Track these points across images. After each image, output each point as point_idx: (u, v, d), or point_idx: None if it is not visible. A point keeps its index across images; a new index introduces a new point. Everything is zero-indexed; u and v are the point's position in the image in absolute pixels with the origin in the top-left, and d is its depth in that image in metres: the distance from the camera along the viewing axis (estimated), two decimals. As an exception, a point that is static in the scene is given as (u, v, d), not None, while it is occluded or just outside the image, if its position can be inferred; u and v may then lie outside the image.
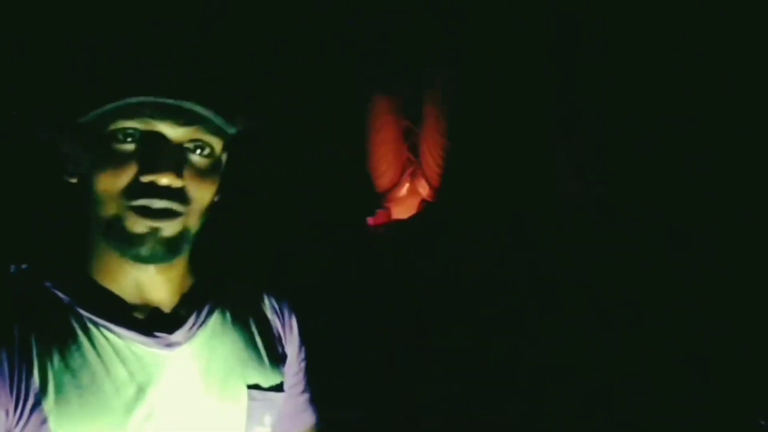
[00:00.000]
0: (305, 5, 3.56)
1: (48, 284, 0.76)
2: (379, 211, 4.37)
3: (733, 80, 2.83)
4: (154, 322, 0.78)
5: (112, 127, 0.71)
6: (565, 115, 3.48)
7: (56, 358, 0.73)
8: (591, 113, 3.26)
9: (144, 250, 0.72)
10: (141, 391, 0.75)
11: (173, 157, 0.71)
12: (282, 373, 0.89)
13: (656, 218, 3.01)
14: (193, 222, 0.75)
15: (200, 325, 0.81)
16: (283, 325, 0.93)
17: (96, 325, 0.75)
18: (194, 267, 0.85)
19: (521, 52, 3.53)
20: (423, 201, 4.45)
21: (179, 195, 0.72)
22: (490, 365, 2.84)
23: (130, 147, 0.72)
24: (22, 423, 0.72)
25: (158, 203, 0.71)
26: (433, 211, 4.25)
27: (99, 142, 0.73)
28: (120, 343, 0.75)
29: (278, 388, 0.87)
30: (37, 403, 0.72)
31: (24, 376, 0.72)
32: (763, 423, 2.06)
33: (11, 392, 0.71)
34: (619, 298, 2.92)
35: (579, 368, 2.65)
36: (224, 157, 0.80)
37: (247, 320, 0.88)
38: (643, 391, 2.53)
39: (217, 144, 0.75)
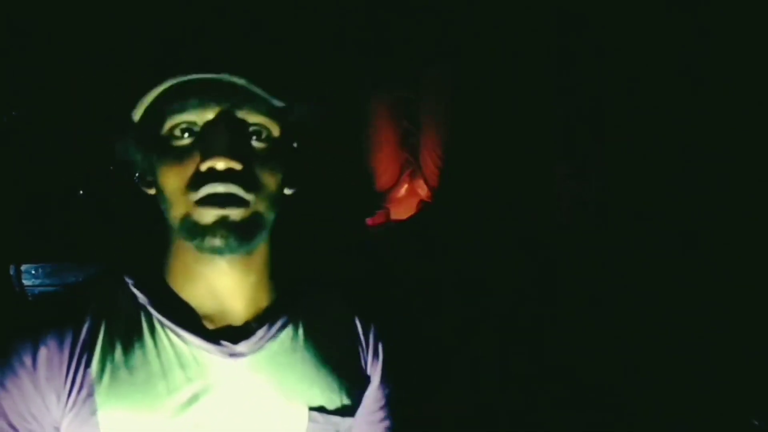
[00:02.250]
0: (304, 5, 3.56)
1: (129, 282, 0.77)
2: (378, 211, 4.37)
3: (734, 82, 2.84)
4: (221, 330, 0.77)
5: (168, 125, 0.71)
6: (564, 115, 3.49)
7: (117, 353, 0.74)
8: (590, 114, 3.27)
9: (217, 241, 0.70)
10: (195, 397, 0.75)
11: (229, 141, 0.69)
12: (354, 398, 0.85)
13: (656, 219, 3.02)
14: (264, 210, 0.73)
15: (269, 339, 0.79)
16: (366, 350, 0.89)
17: (163, 326, 0.75)
18: (275, 282, 0.83)
19: (521, 52, 3.53)
20: (422, 201, 4.46)
21: (242, 179, 0.70)
22: (489, 366, 2.84)
23: (188, 141, 0.71)
24: (73, 411, 0.72)
25: (221, 188, 0.69)
26: (431, 212, 4.26)
27: (160, 145, 0.72)
28: (183, 347, 0.75)
29: (345, 412, 0.84)
30: (90, 394, 0.72)
31: (83, 365, 0.72)
32: (756, 423, 2.07)
33: (66, 378, 0.72)
34: (619, 299, 2.93)
35: (579, 369, 2.65)
36: (292, 145, 0.78)
37: (324, 339, 0.85)
38: (643, 392, 2.54)
39: (273, 127, 0.73)
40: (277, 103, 0.72)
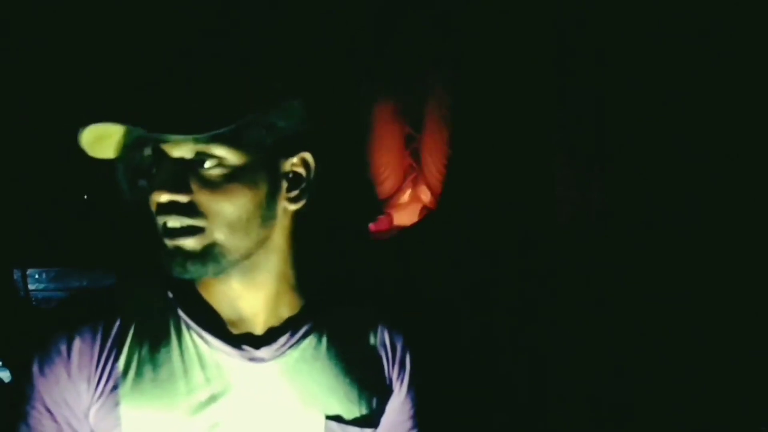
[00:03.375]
0: (304, 10, 3.57)
1: (163, 283, 0.82)
2: (380, 217, 4.37)
3: (737, 84, 2.82)
4: (243, 336, 0.80)
5: (137, 157, 0.74)
6: (567, 121, 3.48)
7: (144, 351, 0.78)
8: (592, 119, 3.25)
9: (177, 269, 0.73)
10: (213, 398, 0.77)
11: (168, 175, 0.71)
12: (374, 410, 0.86)
13: (657, 224, 3.00)
14: (224, 236, 0.73)
15: (291, 346, 0.81)
16: (392, 361, 0.90)
17: (189, 328, 0.79)
18: (300, 290, 0.85)
19: (523, 57, 3.53)
20: (425, 207, 4.45)
21: (189, 209, 0.71)
22: (491, 372, 2.83)
23: (152, 170, 0.74)
24: (100, 401, 0.76)
25: (170, 220, 0.72)
26: (434, 218, 4.25)
27: (138, 173, 0.76)
28: (205, 349, 0.78)
29: (364, 422, 0.84)
30: (115, 387, 0.76)
31: (112, 358, 0.77)
32: (764, 429, 2.05)
33: (96, 369, 0.77)
34: (621, 303, 2.91)
35: (579, 370, 2.64)
36: (276, 162, 0.77)
37: (347, 349, 0.86)
38: (646, 399, 2.52)
39: (223, 152, 0.72)
40: (220, 130, 0.71)
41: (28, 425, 0.76)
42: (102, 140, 0.71)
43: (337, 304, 0.88)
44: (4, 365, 3.13)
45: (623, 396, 2.51)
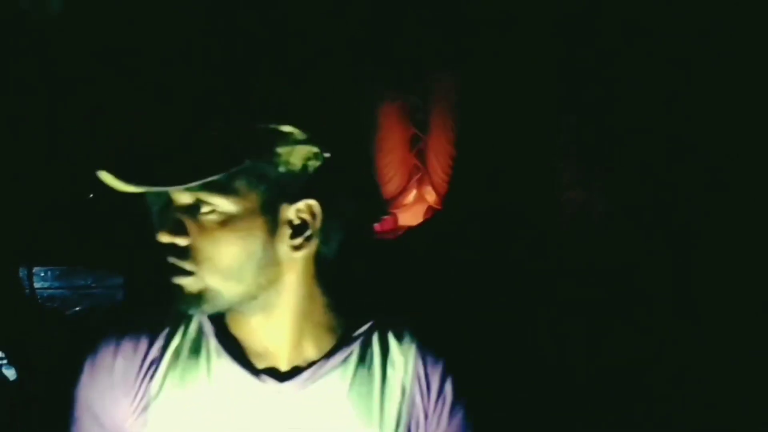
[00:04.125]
0: (308, 11, 3.58)
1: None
2: (385, 218, 4.37)
3: (739, 84, 2.81)
4: (269, 368, 0.82)
5: (152, 197, 0.76)
6: (572, 122, 3.48)
7: (176, 373, 0.80)
8: (596, 120, 3.25)
9: (181, 303, 0.77)
10: (237, 428, 0.79)
11: (173, 218, 0.74)
12: None
13: (661, 225, 2.99)
14: (216, 282, 0.75)
15: (317, 380, 0.82)
16: (427, 391, 0.86)
17: (219, 355, 0.81)
18: (329, 322, 0.85)
19: (528, 58, 3.53)
20: (430, 208, 4.45)
21: (186, 254, 0.74)
22: (493, 372, 2.82)
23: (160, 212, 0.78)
24: (133, 417, 0.79)
25: (170, 260, 0.75)
26: (439, 218, 4.25)
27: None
28: (233, 378, 0.80)
29: None
30: (146, 408, 0.79)
31: (147, 379, 0.80)
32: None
33: (133, 386, 0.80)
34: (624, 304, 2.90)
35: (580, 372, 2.63)
36: (276, 206, 0.77)
37: (376, 382, 0.84)
38: (648, 404, 2.51)
39: (220, 201, 0.74)
40: (209, 179, 0.72)
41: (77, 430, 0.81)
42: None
43: (369, 332, 0.86)
44: (9, 363, 3.15)
45: (624, 396, 2.50)
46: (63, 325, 3.71)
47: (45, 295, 3.98)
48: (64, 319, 3.80)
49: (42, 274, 3.99)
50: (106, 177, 0.70)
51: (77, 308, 3.83)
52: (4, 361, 3.15)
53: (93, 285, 4.05)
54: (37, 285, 3.98)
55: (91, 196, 4.36)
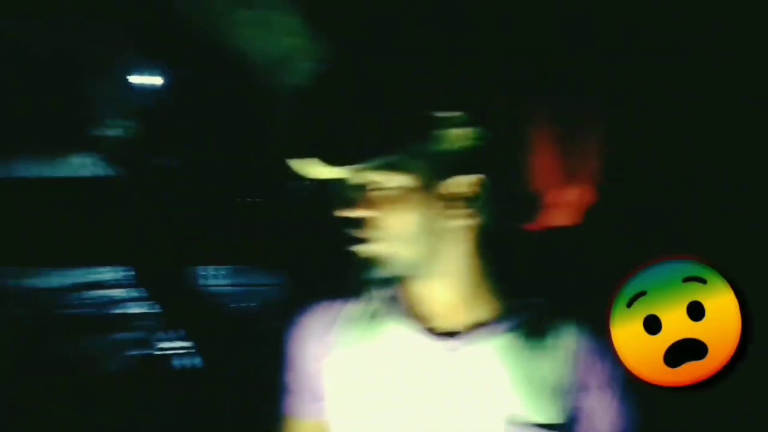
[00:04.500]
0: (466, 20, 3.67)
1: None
2: (534, 217, 4.38)
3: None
4: (434, 329, 0.88)
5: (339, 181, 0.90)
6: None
7: (357, 331, 0.92)
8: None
9: (361, 271, 0.87)
10: (406, 381, 0.87)
11: (352, 195, 0.86)
12: (562, 413, 0.88)
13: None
14: (393, 249, 0.84)
15: (475, 343, 0.87)
16: (581, 361, 0.90)
17: (390, 315, 0.90)
18: (493, 290, 0.91)
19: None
20: (576, 209, 4.43)
21: (366, 225, 0.85)
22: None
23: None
24: (320, 364, 0.92)
25: (351, 232, 0.86)
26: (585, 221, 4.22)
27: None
28: (401, 336, 0.89)
29: (548, 426, 0.87)
30: (329, 357, 0.91)
31: (331, 334, 0.92)
32: None
33: (321, 338, 0.93)
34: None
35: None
36: (426, 187, 0.85)
37: (536, 351, 0.89)
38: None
39: (391, 178, 0.84)
40: (380, 161, 0.84)
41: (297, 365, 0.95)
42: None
43: (529, 306, 0.91)
44: (197, 352, 3.42)
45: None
46: (233, 320, 3.99)
47: (214, 292, 4.29)
48: (234, 314, 4.08)
49: (214, 273, 4.32)
50: (304, 165, 0.84)
51: (247, 304, 4.10)
52: (193, 350, 3.43)
53: (256, 284, 4.32)
54: (208, 283, 4.31)
55: (259, 200, 4.66)
